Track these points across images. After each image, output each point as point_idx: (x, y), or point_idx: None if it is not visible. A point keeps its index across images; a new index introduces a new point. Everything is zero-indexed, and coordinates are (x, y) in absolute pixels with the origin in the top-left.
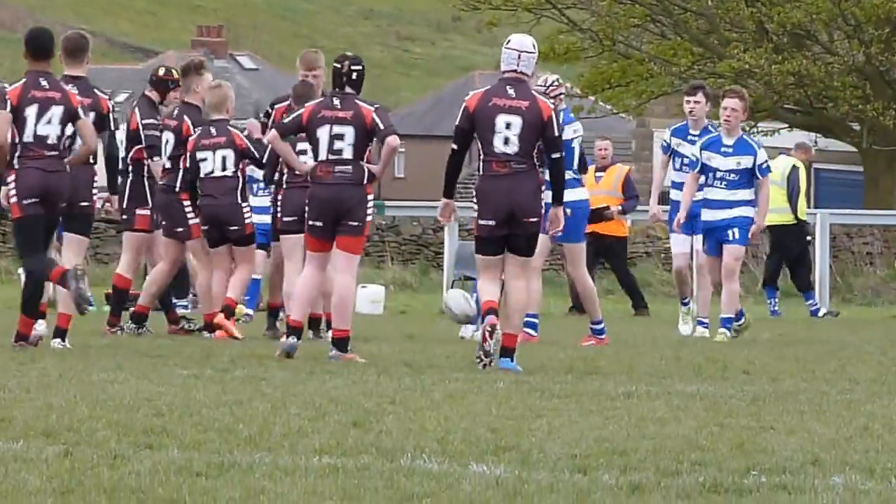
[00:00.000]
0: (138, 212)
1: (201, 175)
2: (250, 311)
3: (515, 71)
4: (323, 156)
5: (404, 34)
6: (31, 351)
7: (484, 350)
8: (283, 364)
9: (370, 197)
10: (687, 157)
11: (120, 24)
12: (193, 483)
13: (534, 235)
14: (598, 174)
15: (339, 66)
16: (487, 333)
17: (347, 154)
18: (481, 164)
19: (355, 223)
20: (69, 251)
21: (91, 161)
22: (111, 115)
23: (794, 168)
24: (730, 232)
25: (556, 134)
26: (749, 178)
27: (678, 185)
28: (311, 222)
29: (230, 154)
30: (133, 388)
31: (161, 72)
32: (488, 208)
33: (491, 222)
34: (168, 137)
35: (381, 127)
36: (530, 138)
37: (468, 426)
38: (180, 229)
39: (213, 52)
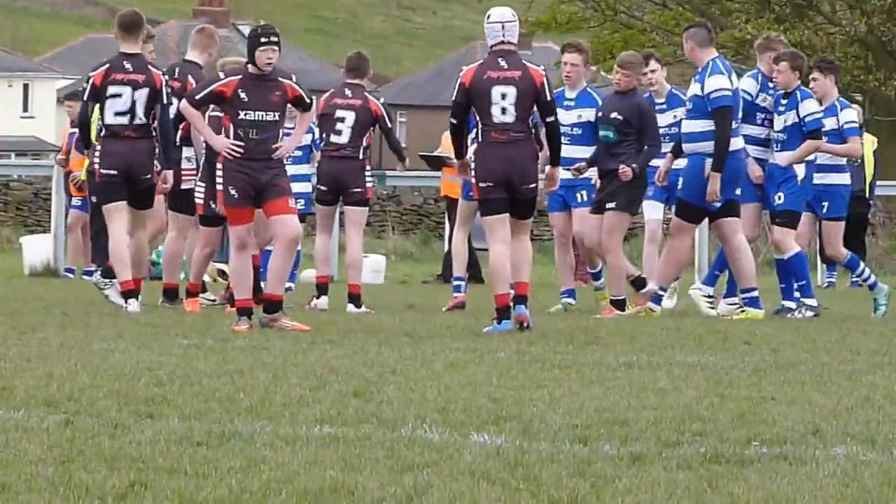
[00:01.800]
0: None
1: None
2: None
3: (503, 42)
4: (344, 139)
5: (405, 4)
6: (31, 320)
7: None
8: (283, 334)
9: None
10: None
11: None
12: (194, 452)
13: (532, 200)
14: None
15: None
16: (519, 328)
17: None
18: (480, 133)
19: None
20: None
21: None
22: (164, 90)
23: None
24: (577, 195)
25: (549, 98)
26: (592, 132)
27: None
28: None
29: None
30: (134, 357)
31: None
32: (489, 172)
33: (490, 184)
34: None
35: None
36: (526, 105)
37: (469, 396)
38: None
39: (215, 22)
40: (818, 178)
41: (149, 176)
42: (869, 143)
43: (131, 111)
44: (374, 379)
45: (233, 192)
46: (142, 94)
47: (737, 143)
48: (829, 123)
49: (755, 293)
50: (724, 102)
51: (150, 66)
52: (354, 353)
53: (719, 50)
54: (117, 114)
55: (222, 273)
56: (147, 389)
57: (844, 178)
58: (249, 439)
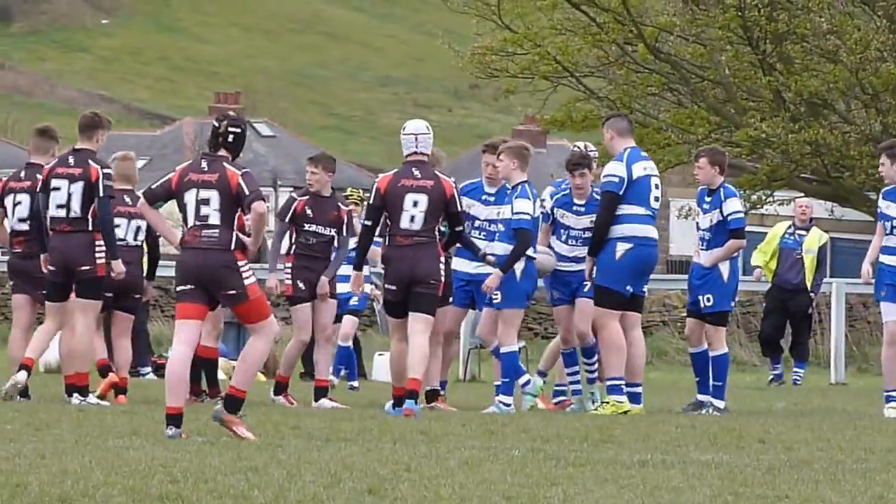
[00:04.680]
0: None
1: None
2: (354, 383)
3: (416, 152)
4: (191, 222)
5: (421, 101)
6: (46, 416)
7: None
8: (298, 431)
9: (241, 262)
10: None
11: (137, 91)
12: None
13: (431, 296)
14: None
15: (217, 125)
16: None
17: (214, 220)
18: (388, 238)
19: (234, 291)
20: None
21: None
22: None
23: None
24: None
25: (458, 209)
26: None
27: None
28: (181, 287)
29: (143, 224)
30: (148, 454)
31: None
32: (394, 275)
33: (394, 287)
34: None
35: (246, 193)
36: (435, 214)
37: (483, 494)
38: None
39: None
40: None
41: (87, 268)
42: (816, 237)
43: (67, 205)
44: (388, 476)
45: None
46: (77, 188)
47: (650, 232)
48: None
49: (640, 388)
50: (609, 188)
51: (90, 161)
52: (369, 451)
53: (734, 148)
54: (58, 206)
55: None
56: (161, 486)
57: None
58: None
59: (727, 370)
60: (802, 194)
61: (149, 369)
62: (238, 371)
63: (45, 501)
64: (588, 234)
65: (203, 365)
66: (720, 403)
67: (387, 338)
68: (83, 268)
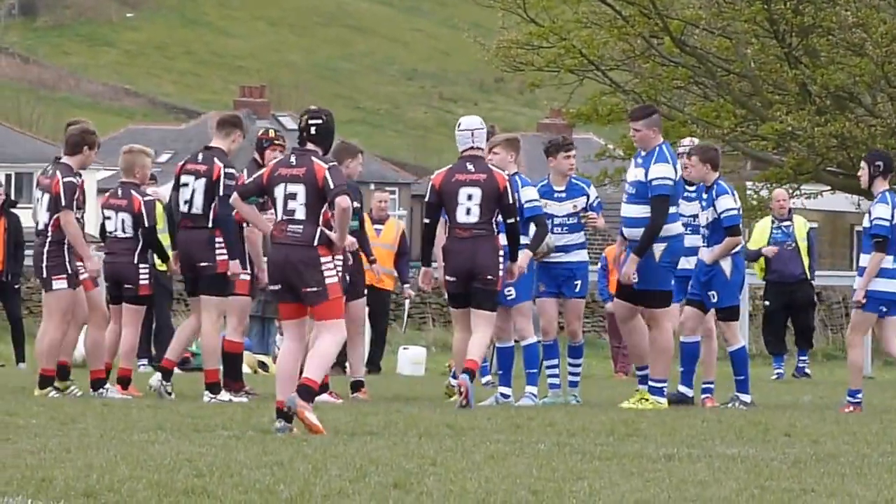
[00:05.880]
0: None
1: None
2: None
3: (472, 147)
4: (279, 216)
5: (447, 95)
6: (71, 410)
7: (462, 405)
8: (323, 425)
9: (326, 259)
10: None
11: (163, 85)
12: None
13: (490, 291)
14: (376, 227)
15: (299, 121)
16: (461, 395)
17: (300, 214)
18: (448, 231)
19: (314, 289)
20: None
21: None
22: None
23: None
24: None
25: (511, 201)
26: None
27: None
28: (271, 287)
29: (129, 218)
30: (174, 448)
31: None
32: (454, 268)
33: (454, 279)
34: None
35: (332, 186)
36: (490, 206)
37: (509, 488)
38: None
39: (255, 113)
40: None
41: (206, 264)
42: (803, 225)
43: (191, 201)
44: (414, 470)
45: None
46: (200, 184)
47: (680, 229)
48: None
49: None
50: (664, 192)
51: (215, 158)
52: (395, 445)
53: (760, 141)
54: (184, 202)
55: (262, 365)
56: (186, 480)
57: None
58: None
59: (748, 363)
60: (829, 188)
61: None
62: (309, 365)
63: (70, 496)
64: (572, 221)
65: (226, 358)
66: (746, 398)
67: (410, 333)
68: (203, 264)
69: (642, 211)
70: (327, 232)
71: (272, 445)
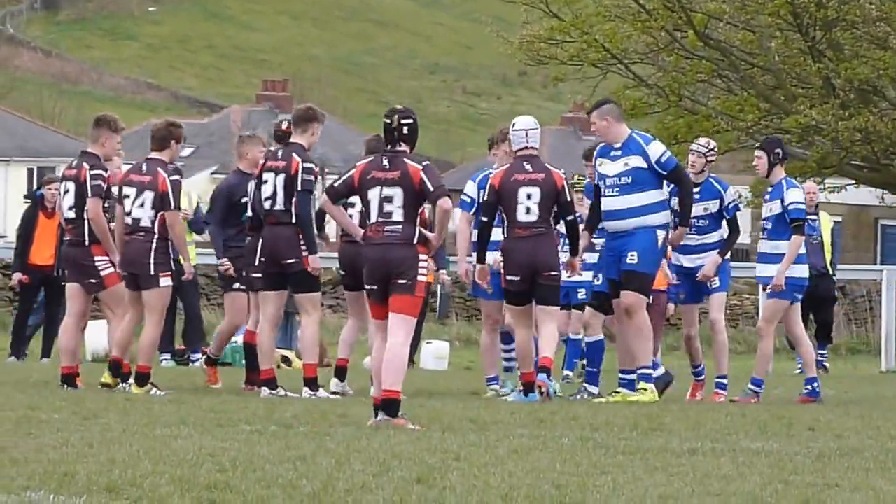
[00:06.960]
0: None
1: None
2: None
3: (527, 147)
4: (373, 218)
5: (470, 89)
6: (93, 405)
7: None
8: (346, 419)
9: (423, 258)
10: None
11: (185, 79)
12: None
13: (553, 287)
14: None
15: (388, 121)
16: (543, 395)
17: (397, 216)
18: (506, 230)
19: (404, 281)
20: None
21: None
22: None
23: None
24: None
25: (569, 199)
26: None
27: None
28: (367, 287)
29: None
30: (196, 443)
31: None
32: (514, 266)
33: (516, 277)
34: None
35: (431, 188)
36: (548, 205)
37: (532, 482)
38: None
39: (277, 107)
40: None
41: (292, 261)
42: (827, 220)
43: (273, 197)
44: (437, 465)
45: None
46: (280, 180)
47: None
48: None
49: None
50: (677, 163)
51: (294, 154)
52: (418, 439)
53: (783, 135)
54: (265, 199)
55: (286, 360)
56: (209, 476)
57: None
58: None
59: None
60: (853, 182)
61: (199, 356)
62: (386, 376)
63: (92, 490)
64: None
65: (249, 351)
66: (594, 389)
67: (435, 327)
68: (288, 261)
69: (628, 202)
70: (425, 232)
71: (295, 440)
